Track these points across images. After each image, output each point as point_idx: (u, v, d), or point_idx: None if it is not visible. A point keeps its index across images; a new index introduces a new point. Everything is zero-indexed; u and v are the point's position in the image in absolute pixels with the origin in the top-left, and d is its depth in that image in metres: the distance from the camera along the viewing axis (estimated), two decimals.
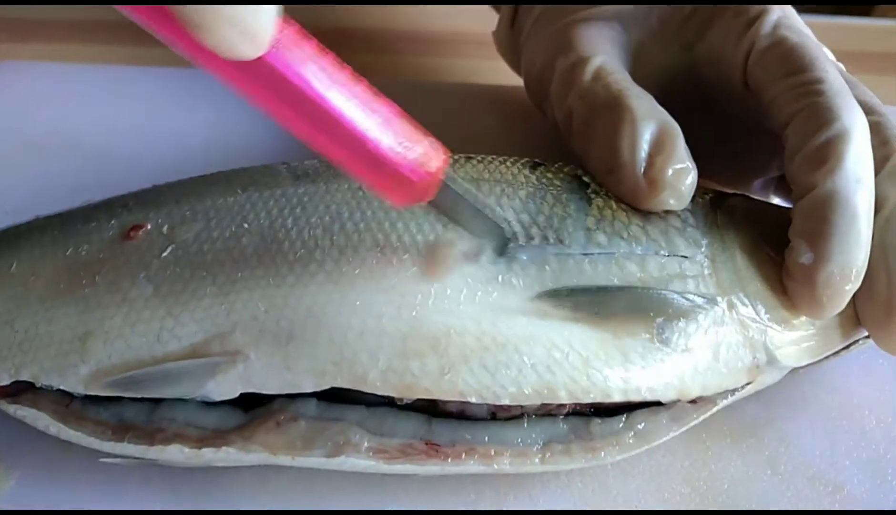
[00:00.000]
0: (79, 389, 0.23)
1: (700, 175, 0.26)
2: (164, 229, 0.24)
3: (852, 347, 0.27)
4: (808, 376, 0.28)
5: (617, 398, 0.23)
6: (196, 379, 0.22)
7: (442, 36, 0.52)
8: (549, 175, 0.26)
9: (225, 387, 0.22)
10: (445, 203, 0.22)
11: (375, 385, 0.22)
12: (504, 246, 0.23)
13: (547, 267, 0.23)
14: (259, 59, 0.17)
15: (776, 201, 0.32)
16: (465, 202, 0.22)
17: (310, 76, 0.18)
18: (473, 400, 0.22)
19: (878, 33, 0.53)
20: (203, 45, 0.16)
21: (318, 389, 0.22)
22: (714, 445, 0.26)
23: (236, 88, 0.18)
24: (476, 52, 0.50)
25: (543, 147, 0.38)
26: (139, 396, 0.22)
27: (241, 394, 0.22)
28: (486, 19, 0.47)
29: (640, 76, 0.29)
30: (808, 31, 0.27)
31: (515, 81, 0.42)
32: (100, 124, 0.40)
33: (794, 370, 0.26)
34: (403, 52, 0.51)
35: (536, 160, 0.27)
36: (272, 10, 0.17)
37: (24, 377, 0.23)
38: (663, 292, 0.23)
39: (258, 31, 0.16)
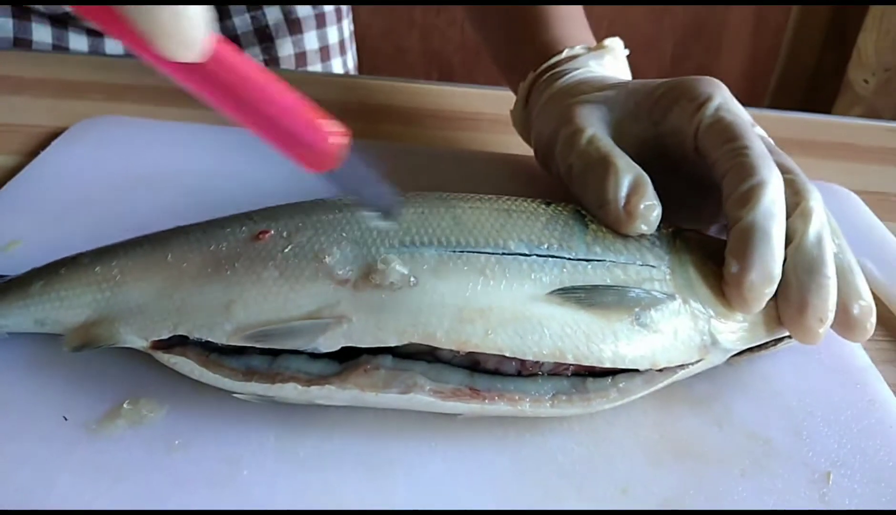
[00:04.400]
0: (223, 340, 0.31)
1: (665, 221, 0.36)
2: (284, 233, 0.34)
3: (780, 344, 0.36)
4: (747, 366, 0.37)
5: (607, 364, 0.32)
6: (311, 335, 0.30)
7: (461, 114, 0.62)
8: (559, 208, 0.36)
9: (331, 341, 0.31)
10: (349, 174, 0.27)
11: (441, 341, 0.30)
12: (399, 212, 0.29)
13: (564, 269, 0.33)
14: (203, 64, 0.22)
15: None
16: (366, 172, 0.27)
17: (241, 77, 0.23)
18: (507, 354, 0.31)
19: (838, 128, 0.65)
20: (154, 52, 0.21)
21: (400, 343, 0.30)
22: (676, 409, 0.35)
23: (189, 87, 0.23)
24: (489, 128, 0.60)
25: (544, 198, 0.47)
26: (268, 346, 0.31)
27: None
28: (498, 102, 0.58)
29: (620, 144, 0.39)
30: (742, 113, 0.37)
31: (521, 151, 0.53)
32: (188, 169, 0.49)
33: (735, 358, 0.36)
34: (429, 126, 0.61)
35: (548, 200, 0.38)
36: (203, 29, 0.22)
37: (180, 332, 0.32)
38: (639, 289, 0.33)
39: (192, 42, 0.22)
